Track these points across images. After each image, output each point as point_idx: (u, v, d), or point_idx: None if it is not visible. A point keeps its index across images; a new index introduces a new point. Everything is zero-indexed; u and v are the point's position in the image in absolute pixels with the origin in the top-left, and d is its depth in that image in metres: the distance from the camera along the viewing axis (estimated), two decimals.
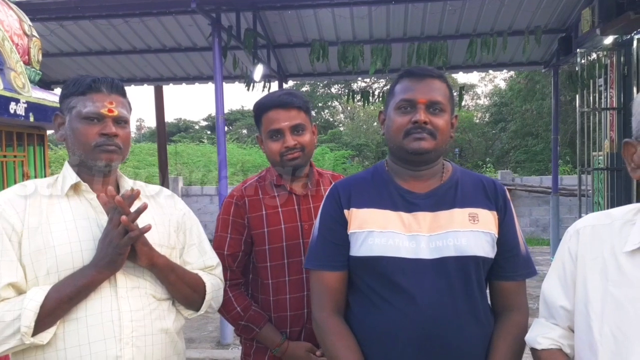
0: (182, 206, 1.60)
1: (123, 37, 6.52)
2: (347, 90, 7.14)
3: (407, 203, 1.41)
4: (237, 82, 7.44)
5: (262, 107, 1.76)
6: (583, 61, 6.11)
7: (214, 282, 1.56)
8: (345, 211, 1.43)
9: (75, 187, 1.40)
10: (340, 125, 25.33)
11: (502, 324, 1.43)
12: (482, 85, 24.56)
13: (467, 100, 24.94)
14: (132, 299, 1.36)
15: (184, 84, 8.10)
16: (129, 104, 1.48)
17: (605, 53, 5.93)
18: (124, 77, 7.81)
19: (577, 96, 6.16)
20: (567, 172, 13.19)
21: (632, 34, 5.54)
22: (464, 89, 7.16)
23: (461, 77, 23.28)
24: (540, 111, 16.59)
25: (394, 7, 5.76)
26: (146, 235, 1.35)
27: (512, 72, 17.97)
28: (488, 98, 23.68)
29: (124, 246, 1.30)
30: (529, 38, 5.36)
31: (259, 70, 5.90)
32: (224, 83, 4.98)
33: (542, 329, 1.23)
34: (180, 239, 1.54)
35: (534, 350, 1.25)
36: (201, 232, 1.61)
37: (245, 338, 1.81)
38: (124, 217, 1.29)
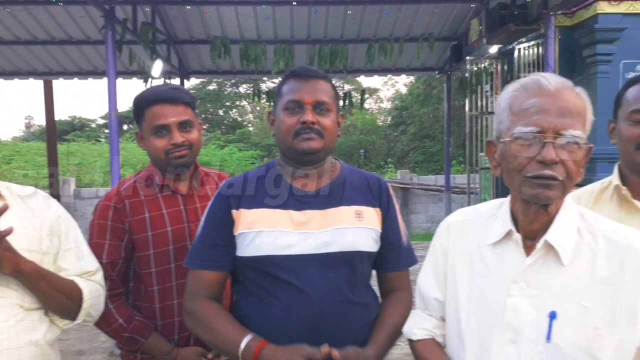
0: (56, 208, 1.48)
1: (4, 26, 5.95)
2: (255, 90, 7.04)
3: (298, 202, 1.43)
4: (135, 78, 7.09)
5: (146, 101, 1.66)
6: (472, 68, 6.58)
7: (92, 288, 1.46)
8: (234, 211, 1.42)
9: None
10: (249, 125, 25.10)
11: (388, 299, 1.53)
12: (385, 90, 25.60)
13: (371, 104, 25.84)
14: None
15: (75, 79, 7.58)
16: None
17: (491, 61, 6.43)
18: (7, 69, 7.15)
19: (467, 101, 6.62)
20: (461, 171, 14.11)
21: (514, 44, 6.07)
22: (365, 92, 7.41)
23: (366, 81, 24.10)
24: (437, 115, 17.63)
25: (297, 9, 5.82)
26: (13, 240, 1.23)
27: (412, 77, 18.90)
28: (390, 102, 24.69)
29: None
30: (423, 45, 5.67)
31: (157, 66, 5.68)
32: (120, 79, 4.75)
33: (418, 320, 1.30)
34: (54, 243, 1.42)
35: (410, 342, 1.30)
36: (78, 236, 1.50)
37: (128, 350, 1.70)
38: None
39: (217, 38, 5.30)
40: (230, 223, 1.41)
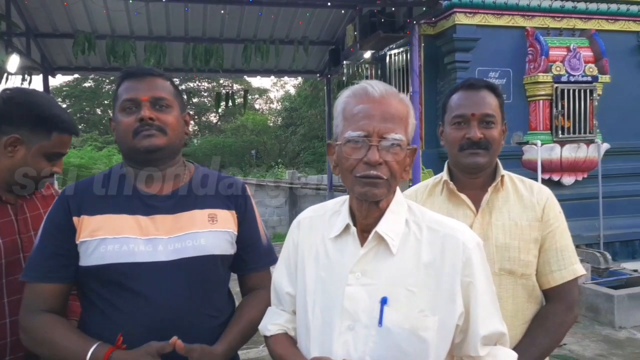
0: None
1: None
2: None
3: (146, 206, 1.37)
4: None
5: None
6: (349, 72, 6.87)
7: None
8: (75, 219, 1.34)
9: None
10: None
11: (247, 297, 1.53)
12: (275, 91, 25.62)
13: (261, 104, 25.82)
14: None
15: None
16: None
17: (365, 66, 6.75)
18: None
19: None
20: None
21: (385, 50, 6.44)
22: (248, 92, 7.40)
23: (256, 81, 23.87)
24: (324, 116, 18.10)
25: (173, 6, 5.63)
26: None
27: (300, 79, 19.21)
28: (280, 103, 24.81)
29: None
30: (298, 48, 5.80)
31: (14, 61, 5.15)
32: None
33: (272, 317, 1.33)
34: None
35: (265, 338, 1.33)
36: None
37: None
38: None
39: (81, 32, 4.94)
40: (71, 231, 1.33)
